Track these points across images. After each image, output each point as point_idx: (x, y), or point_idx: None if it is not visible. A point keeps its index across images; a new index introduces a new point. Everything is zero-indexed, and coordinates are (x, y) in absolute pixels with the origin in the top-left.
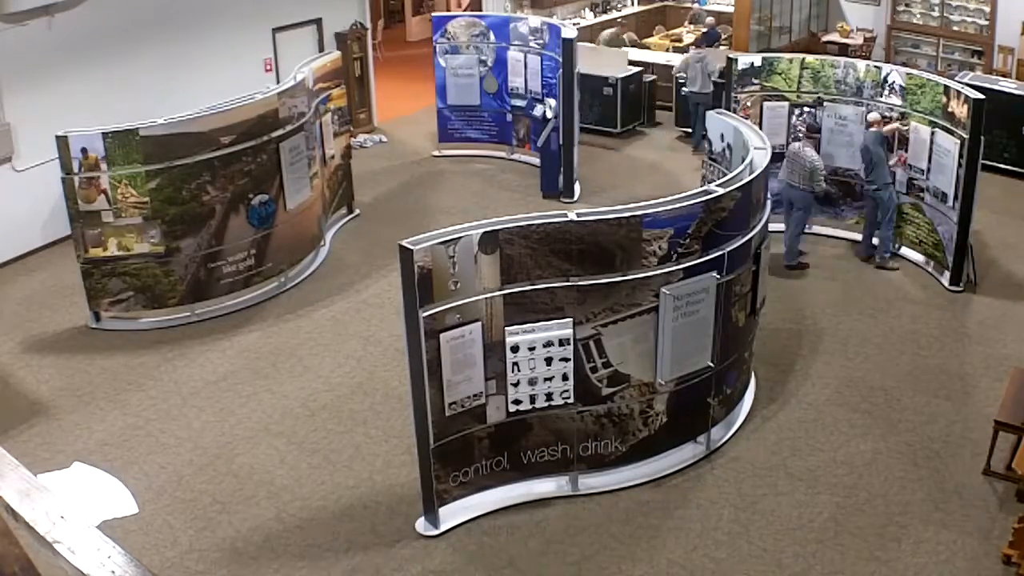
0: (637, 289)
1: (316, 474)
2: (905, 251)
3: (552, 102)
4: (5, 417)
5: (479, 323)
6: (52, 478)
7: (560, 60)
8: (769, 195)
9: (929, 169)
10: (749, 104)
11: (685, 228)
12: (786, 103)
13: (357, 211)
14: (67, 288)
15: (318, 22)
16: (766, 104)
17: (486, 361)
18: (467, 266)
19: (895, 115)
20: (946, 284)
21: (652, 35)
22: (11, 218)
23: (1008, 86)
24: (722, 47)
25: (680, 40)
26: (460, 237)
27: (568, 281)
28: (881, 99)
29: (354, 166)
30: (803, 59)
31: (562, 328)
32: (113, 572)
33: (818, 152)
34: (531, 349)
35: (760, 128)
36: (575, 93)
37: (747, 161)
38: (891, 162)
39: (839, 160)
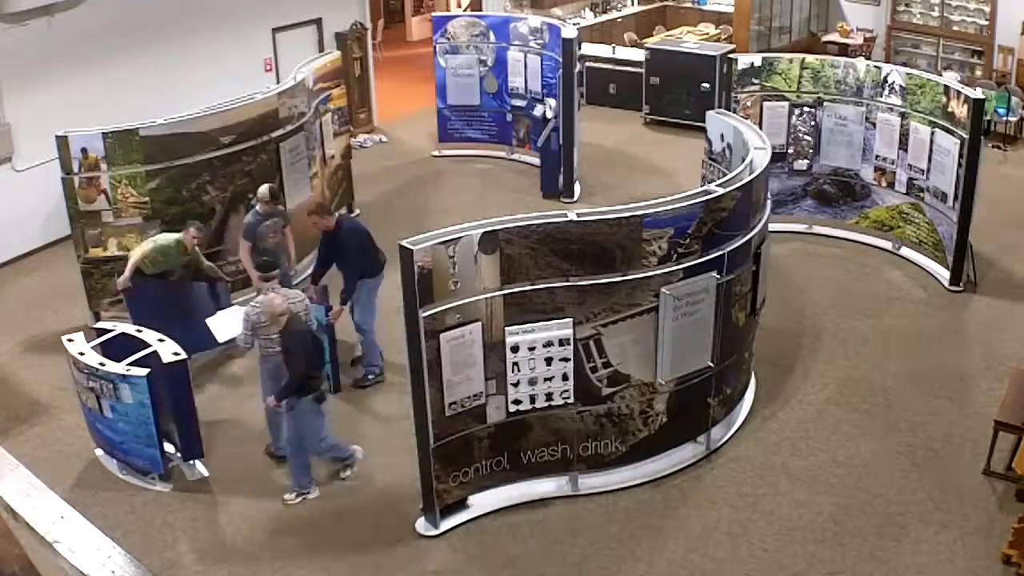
0: (637, 289)
1: (316, 474)
2: (905, 251)
3: (552, 102)
4: (5, 417)
5: (479, 323)
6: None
7: (560, 60)
8: (769, 195)
9: (929, 169)
10: (749, 104)
11: (685, 228)
12: (786, 103)
13: (357, 211)
14: (67, 288)
15: (318, 22)
16: (766, 104)
17: (486, 361)
18: (467, 266)
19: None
20: (946, 284)
21: (652, 35)
22: (11, 218)
23: (688, 47)
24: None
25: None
26: (460, 237)
27: (568, 281)
28: (881, 99)
29: (354, 166)
30: (803, 59)
31: (562, 328)
32: (113, 572)
33: None
34: (531, 349)
35: (760, 128)
36: (575, 93)
37: (747, 161)
38: None
39: (839, 160)
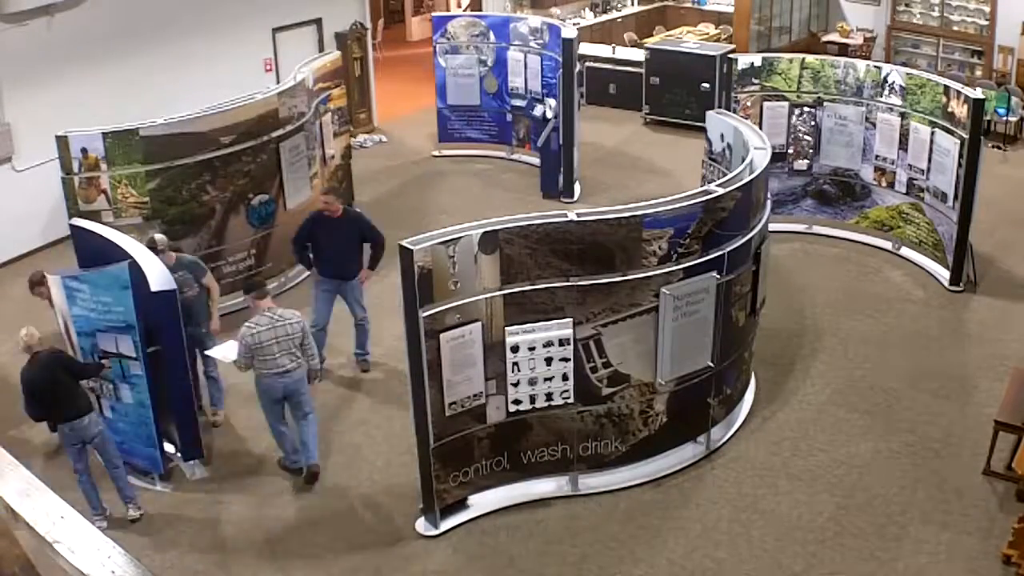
0: (637, 289)
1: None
2: (905, 251)
3: (552, 102)
4: (5, 417)
5: (479, 323)
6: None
7: (560, 60)
8: (769, 195)
9: (929, 169)
10: (749, 104)
11: (685, 228)
12: (786, 103)
13: (357, 211)
14: None
15: (318, 22)
16: (766, 104)
17: (486, 361)
18: (467, 266)
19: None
20: (946, 284)
21: (652, 35)
22: (11, 218)
23: (688, 47)
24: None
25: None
26: (460, 237)
27: (568, 281)
28: (881, 99)
29: (354, 166)
30: (803, 59)
31: (562, 328)
32: (113, 572)
33: None
34: (531, 349)
35: (760, 128)
36: (575, 93)
37: (747, 161)
38: None
39: (839, 160)
